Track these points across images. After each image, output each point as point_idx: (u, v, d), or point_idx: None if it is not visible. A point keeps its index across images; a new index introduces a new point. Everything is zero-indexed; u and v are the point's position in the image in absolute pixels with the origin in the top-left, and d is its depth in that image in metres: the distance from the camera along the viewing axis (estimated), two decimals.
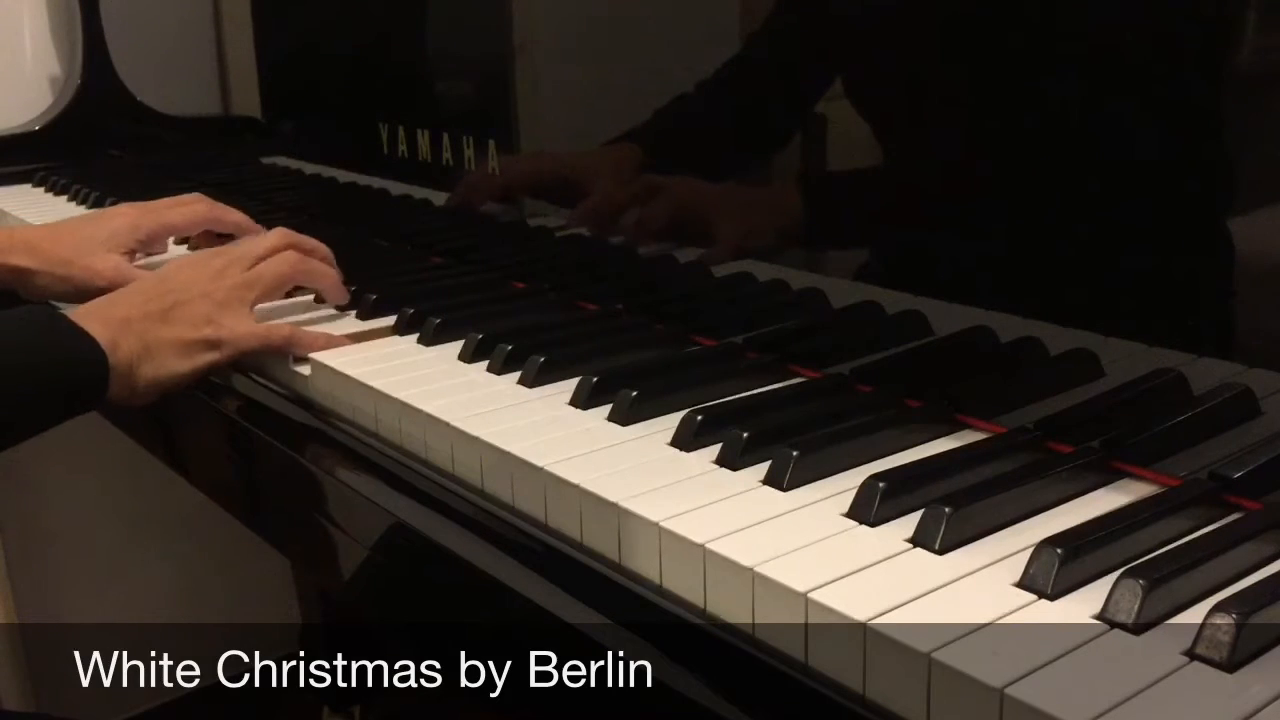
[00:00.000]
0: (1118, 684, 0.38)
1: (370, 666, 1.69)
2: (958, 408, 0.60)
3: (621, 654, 0.48)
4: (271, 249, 0.81)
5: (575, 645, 0.50)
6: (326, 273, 0.84)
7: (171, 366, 0.74)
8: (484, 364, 0.72)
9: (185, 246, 1.05)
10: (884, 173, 0.70)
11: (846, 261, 0.74)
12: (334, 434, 0.70)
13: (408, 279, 0.93)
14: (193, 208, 0.98)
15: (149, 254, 0.99)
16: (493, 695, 0.59)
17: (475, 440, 0.60)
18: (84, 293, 0.86)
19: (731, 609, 0.47)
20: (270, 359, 0.78)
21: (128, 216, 0.95)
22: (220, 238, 1.00)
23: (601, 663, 0.48)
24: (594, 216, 0.87)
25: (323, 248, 0.85)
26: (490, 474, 0.60)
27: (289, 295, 0.85)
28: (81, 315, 0.73)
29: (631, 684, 0.47)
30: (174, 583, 1.74)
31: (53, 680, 1.65)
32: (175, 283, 0.77)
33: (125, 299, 0.77)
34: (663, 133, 0.80)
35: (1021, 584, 0.44)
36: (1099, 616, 0.42)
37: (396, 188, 1.09)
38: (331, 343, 0.77)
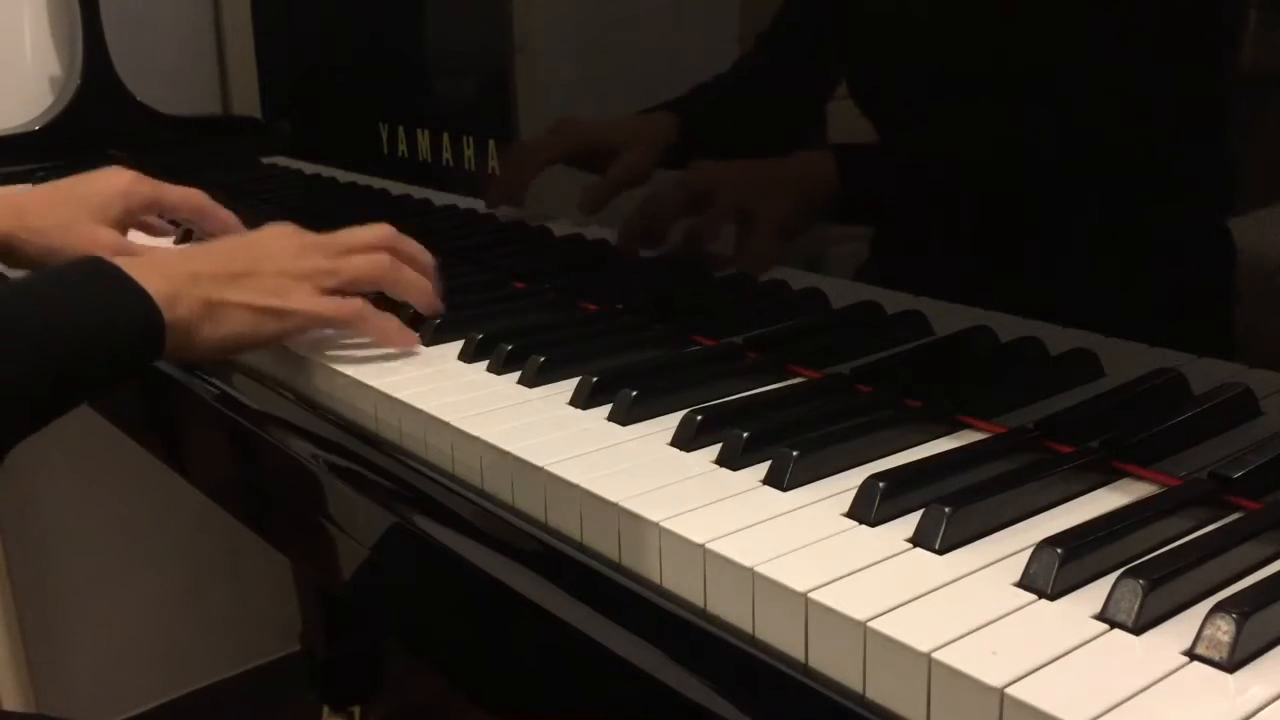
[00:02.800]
0: (1118, 684, 0.38)
1: (370, 666, 1.70)
2: (958, 408, 0.60)
3: (621, 653, 0.48)
4: (367, 244, 0.77)
5: (575, 645, 0.50)
6: (417, 284, 0.78)
7: (233, 327, 0.71)
8: (484, 364, 0.72)
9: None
10: (884, 172, 0.70)
11: (846, 261, 0.74)
12: (334, 434, 0.70)
13: None
14: (188, 191, 0.95)
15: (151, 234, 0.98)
16: (492, 695, 0.59)
17: (475, 440, 0.60)
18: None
19: (731, 609, 0.47)
20: (273, 358, 0.78)
21: (122, 179, 0.91)
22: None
23: (601, 662, 0.48)
24: (613, 190, 0.84)
25: (424, 256, 0.80)
26: (490, 474, 0.60)
27: None
28: (142, 268, 0.69)
29: (631, 684, 0.47)
30: (174, 583, 1.74)
31: (53, 680, 1.65)
32: (257, 250, 0.74)
33: (200, 254, 0.74)
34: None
35: (1021, 584, 0.44)
36: (1099, 616, 0.42)
37: (396, 188, 1.09)
38: (403, 338, 0.74)
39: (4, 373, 0.63)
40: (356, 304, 0.74)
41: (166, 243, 1.03)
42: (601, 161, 0.85)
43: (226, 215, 0.97)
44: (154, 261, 0.72)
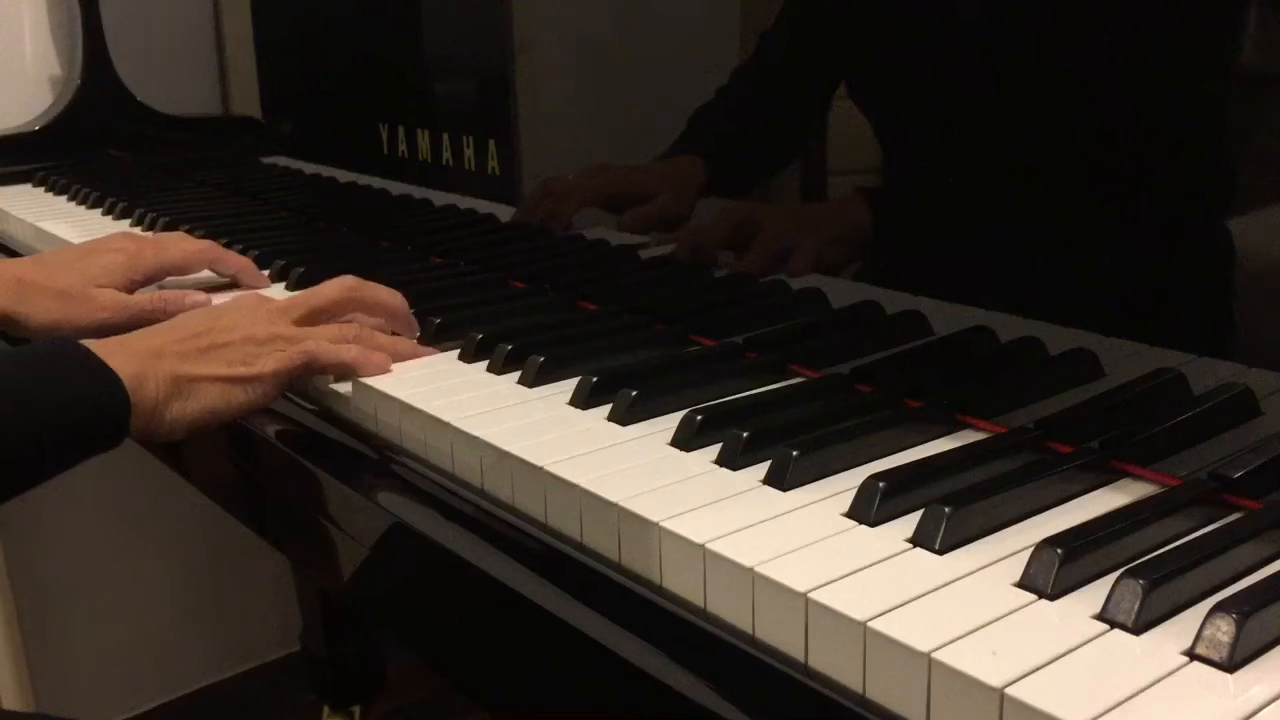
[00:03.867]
0: (1118, 684, 0.38)
1: (370, 666, 1.70)
2: (958, 408, 0.60)
3: (621, 653, 0.48)
4: (330, 300, 0.76)
5: (574, 645, 0.50)
6: (388, 348, 0.74)
7: (203, 401, 0.70)
8: (484, 364, 0.72)
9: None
10: (884, 172, 0.70)
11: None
12: (333, 434, 0.70)
13: (408, 279, 0.93)
14: (192, 247, 0.92)
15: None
16: (492, 694, 0.59)
17: (475, 440, 0.60)
18: (81, 329, 0.83)
19: (731, 609, 0.47)
20: None
21: (125, 251, 0.90)
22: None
23: (601, 662, 0.48)
24: (645, 225, 0.83)
25: (392, 299, 0.79)
26: (490, 474, 0.60)
27: None
28: (107, 348, 0.68)
29: (631, 684, 0.47)
30: (174, 583, 1.74)
31: (53, 680, 1.65)
32: (221, 322, 0.73)
33: (163, 332, 0.72)
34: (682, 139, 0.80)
35: (1021, 584, 0.44)
36: (1099, 616, 0.42)
37: (396, 188, 1.09)
38: (367, 363, 0.71)
39: None
40: (309, 345, 0.72)
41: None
42: (640, 202, 0.85)
43: (239, 259, 0.96)
44: (119, 342, 0.70)
